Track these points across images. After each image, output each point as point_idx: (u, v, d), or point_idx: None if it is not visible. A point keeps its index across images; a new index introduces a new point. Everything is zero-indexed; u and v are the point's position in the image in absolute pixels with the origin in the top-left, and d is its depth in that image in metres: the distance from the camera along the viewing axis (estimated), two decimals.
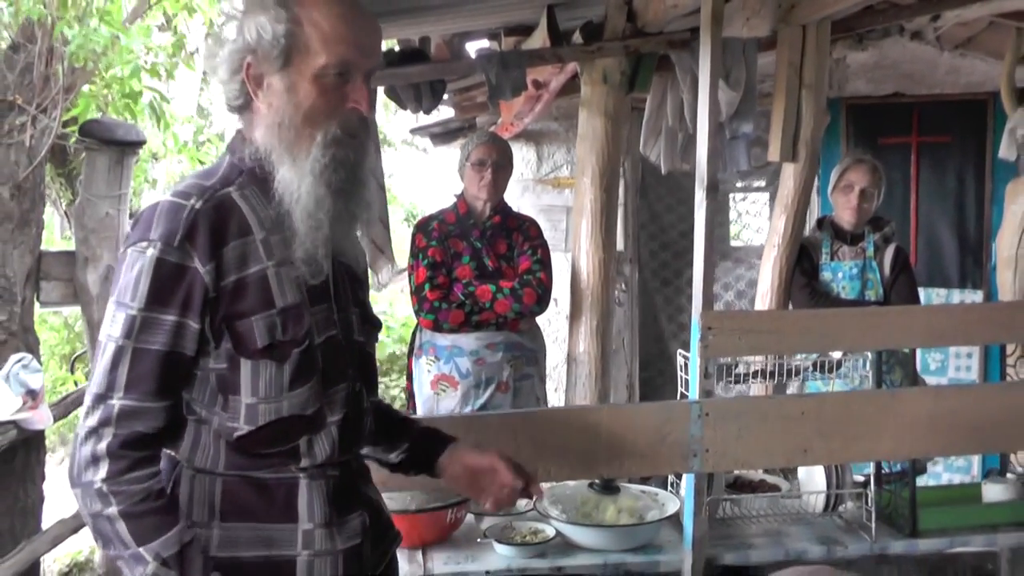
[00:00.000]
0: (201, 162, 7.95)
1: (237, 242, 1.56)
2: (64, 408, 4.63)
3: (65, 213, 6.56)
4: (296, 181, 1.58)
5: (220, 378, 1.58)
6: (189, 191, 1.56)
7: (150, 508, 1.51)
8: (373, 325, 1.83)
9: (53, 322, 8.44)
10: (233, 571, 1.57)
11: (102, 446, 1.49)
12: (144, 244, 1.52)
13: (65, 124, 4.37)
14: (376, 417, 1.86)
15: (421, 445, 1.94)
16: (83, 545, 4.95)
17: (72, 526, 4.55)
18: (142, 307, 1.50)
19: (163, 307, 1.51)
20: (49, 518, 4.30)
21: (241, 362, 1.56)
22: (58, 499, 4.97)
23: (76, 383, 5.93)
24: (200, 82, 9.22)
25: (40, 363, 4.13)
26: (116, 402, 1.50)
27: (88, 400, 1.53)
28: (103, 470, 1.49)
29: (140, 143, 4.46)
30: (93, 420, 1.51)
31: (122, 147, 4.32)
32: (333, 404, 1.66)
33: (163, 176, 7.93)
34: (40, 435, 4.23)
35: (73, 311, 8.08)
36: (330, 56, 1.57)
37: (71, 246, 7.08)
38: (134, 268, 1.52)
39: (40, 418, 3.95)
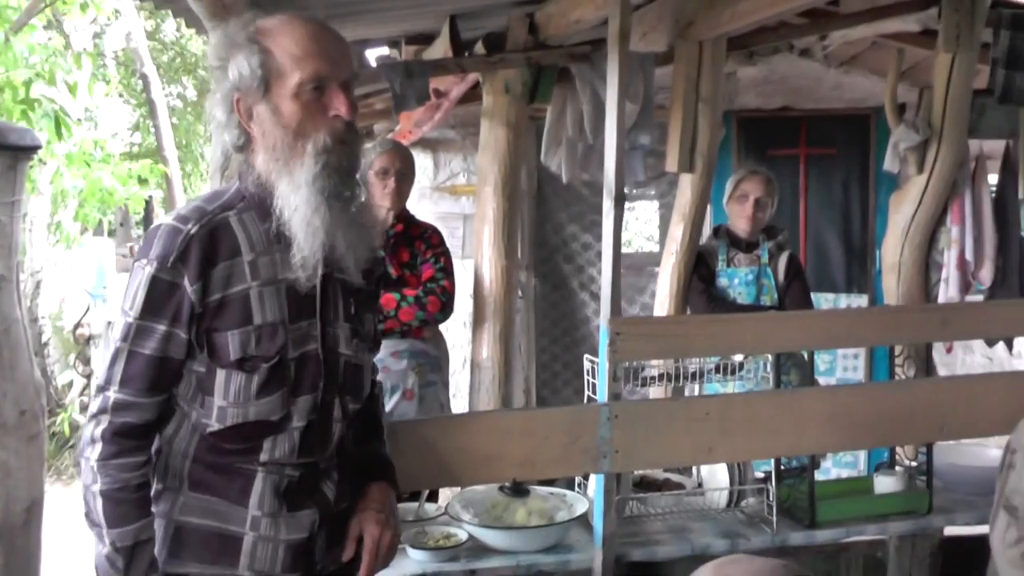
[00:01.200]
0: (87, 164, 7.72)
1: (225, 263, 1.74)
2: None
3: None
4: (293, 194, 1.74)
5: (199, 379, 1.77)
6: (189, 216, 1.75)
7: (125, 498, 1.72)
8: (363, 340, 1.94)
9: None
10: (190, 534, 1.78)
11: (98, 431, 1.72)
12: (144, 261, 1.72)
13: None
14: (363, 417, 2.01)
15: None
16: None
17: None
18: (137, 316, 1.72)
19: (155, 318, 1.71)
20: None
21: (216, 369, 1.75)
22: None
23: None
24: (87, 83, 8.98)
25: None
26: (112, 394, 1.72)
27: (93, 389, 1.77)
28: (97, 451, 1.72)
29: (35, 148, 4.30)
30: (95, 407, 1.74)
31: (15, 152, 4.17)
32: (300, 412, 1.80)
33: (47, 186, 7.69)
34: None
35: None
36: (303, 72, 1.72)
37: None
38: (135, 281, 1.73)
39: None
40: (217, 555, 1.78)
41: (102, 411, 1.72)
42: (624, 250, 6.92)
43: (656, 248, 6.82)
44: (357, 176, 1.83)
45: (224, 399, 1.75)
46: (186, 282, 1.70)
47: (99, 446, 1.72)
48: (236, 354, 1.73)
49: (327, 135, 1.74)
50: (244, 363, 1.74)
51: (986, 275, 4.47)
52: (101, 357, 7.12)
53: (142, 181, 8.25)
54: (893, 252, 4.44)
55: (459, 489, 2.95)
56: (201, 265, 1.71)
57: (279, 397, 1.77)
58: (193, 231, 1.72)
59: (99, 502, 1.71)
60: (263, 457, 1.79)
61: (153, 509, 1.78)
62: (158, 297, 1.71)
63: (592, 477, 2.80)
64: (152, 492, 1.79)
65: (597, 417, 2.58)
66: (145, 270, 1.71)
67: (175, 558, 1.78)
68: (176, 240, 1.71)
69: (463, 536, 2.70)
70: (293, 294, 1.78)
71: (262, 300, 1.75)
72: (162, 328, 1.71)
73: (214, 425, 1.76)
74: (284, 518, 1.81)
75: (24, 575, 4.61)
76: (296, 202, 1.73)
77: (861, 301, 5.67)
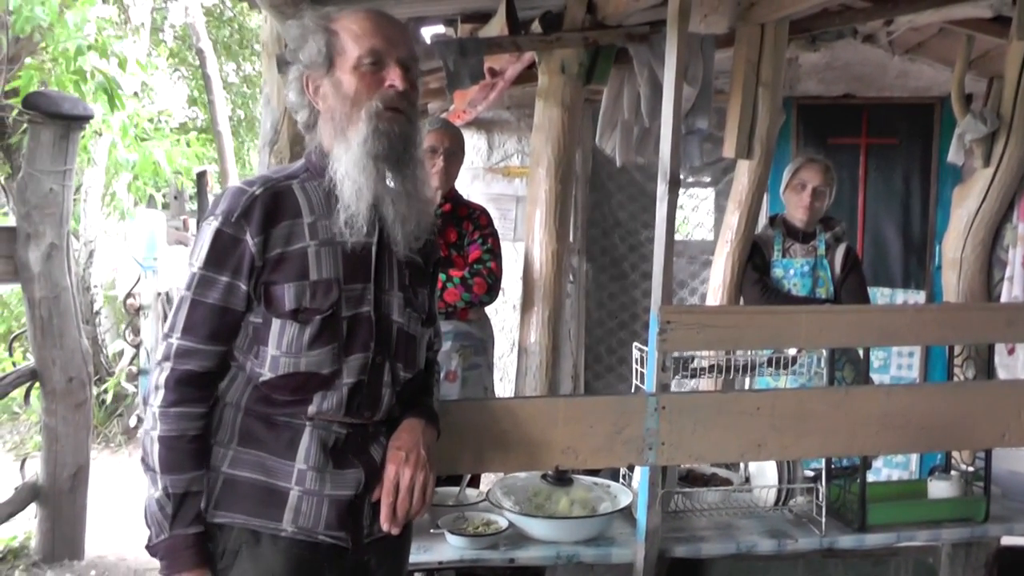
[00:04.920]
0: (143, 138, 7.77)
1: (286, 223, 1.86)
2: (1, 389, 4.51)
3: (2, 187, 6.40)
4: (345, 155, 1.88)
5: (255, 330, 1.87)
6: (255, 180, 1.92)
7: (181, 447, 1.82)
8: (416, 311, 2.03)
9: None
10: (238, 487, 1.86)
11: (162, 378, 1.83)
12: (211, 218, 1.85)
13: (7, 95, 4.26)
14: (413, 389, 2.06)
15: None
16: (18, 531, 4.83)
17: (7, 511, 4.45)
18: (201, 267, 1.84)
19: (218, 269, 1.84)
20: None
21: (272, 320, 1.86)
22: None
23: (14, 364, 5.76)
24: (144, 60, 9.03)
25: None
26: (174, 341, 1.84)
27: (161, 336, 1.92)
28: (160, 398, 1.83)
29: (87, 117, 4.33)
30: (159, 354, 1.86)
31: (68, 121, 4.20)
32: (350, 369, 1.89)
33: (103, 157, 7.75)
34: None
35: (10, 289, 7.87)
36: (361, 48, 1.89)
37: (7, 221, 6.91)
38: (202, 235, 1.86)
39: None
40: (263, 507, 1.86)
41: (165, 358, 1.84)
42: (680, 237, 6.89)
43: (709, 236, 6.71)
44: (412, 149, 1.95)
45: (277, 348, 1.85)
46: (248, 237, 1.83)
47: (161, 393, 1.83)
48: (291, 305, 1.84)
49: (380, 101, 1.88)
50: (298, 314, 1.84)
51: None
52: (151, 327, 7.17)
53: (196, 156, 8.31)
54: (955, 248, 4.32)
55: (501, 475, 2.90)
56: (263, 222, 1.84)
57: (330, 351, 1.87)
58: (257, 192, 1.86)
59: (156, 447, 1.81)
60: (311, 410, 1.87)
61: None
62: (221, 250, 1.83)
63: (637, 469, 2.74)
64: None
65: (644, 408, 2.51)
66: (211, 225, 1.85)
67: (221, 509, 1.86)
68: (241, 199, 1.85)
69: (503, 523, 2.67)
70: (349, 257, 1.90)
71: (319, 258, 1.87)
72: (224, 279, 1.84)
73: (266, 374, 1.86)
74: (330, 474, 1.88)
75: (70, 539, 4.69)
76: (347, 163, 1.87)
77: (918, 297, 5.54)
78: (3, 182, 6.28)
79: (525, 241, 4.29)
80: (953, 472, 3.02)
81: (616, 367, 6.48)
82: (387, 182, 1.91)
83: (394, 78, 1.89)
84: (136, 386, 7.41)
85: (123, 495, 5.62)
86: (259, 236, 1.83)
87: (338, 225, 1.87)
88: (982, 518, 2.86)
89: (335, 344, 1.88)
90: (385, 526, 1.90)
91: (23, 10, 3.95)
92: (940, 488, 2.92)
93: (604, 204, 6.46)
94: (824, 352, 2.84)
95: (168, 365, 1.83)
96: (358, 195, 1.87)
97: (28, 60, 4.34)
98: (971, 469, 3.04)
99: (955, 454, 3.12)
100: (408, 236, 1.96)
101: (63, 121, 4.19)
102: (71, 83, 4.40)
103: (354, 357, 1.90)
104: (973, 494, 2.92)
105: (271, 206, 1.86)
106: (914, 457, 5.26)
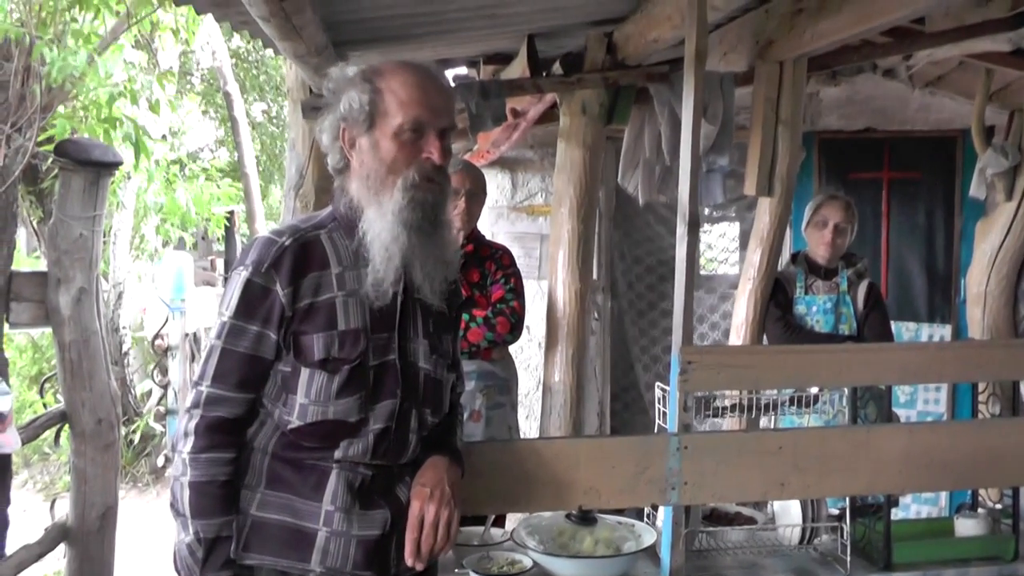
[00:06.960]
0: (170, 181, 7.88)
1: (315, 274, 1.90)
2: (32, 431, 4.55)
3: (35, 231, 6.50)
4: (378, 220, 1.90)
5: (284, 378, 1.91)
6: (284, 230, 1.94)
7: (212, 492, 1.85)
8: (441, 357, 2.07)
9: (19, 342, 8.32)
10: (265, 529, 1.89)
11: (191, 424, 1.87)
12: (241, 268, 1.90)
13: (40, 144, 4.33)
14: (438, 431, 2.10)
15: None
16: (48, 569, 4.87)
17: (37, 552, 4.47)
18: (231, 316, 1.88)
19: (248, 319, 1.87)
20: (13, 543, 4.22)
21: (301, 369, 1.89)
22: (22, 524, 4.90)
23: (45, 405, 5.82)
24: (173, 100, 9.17)
25: (8, 385, 4.06)
26: (204, 389, 1.88)
27: (191, 384, 1.94)
28: (189, 444, 1.86)
29: (116, 164, 4.40)
30: (189, 401, 1.89)
31: (98, 168, 4.27)
32: (377, 416, 1.93)
33: (132, 200, 7.87)
34: (7, 458, 4.15)
35: (41, 332, 7.97)
36: (405, 117, 1.89)
37: (39, 264, 7.00)
38: (232, 285, 1.90)
39: (8, 441, 3.87)
40: (291, 549, 1.89)
41: (195, 405, 1.87)
42: (703, 273, 6.89)
43: (732, 270, 6.71)
44: (443, 215, 1.97)
45: (306, 397, 1.88)
46: (278, 287, 1.86)
47: (191, 439, 1.86)
48: (320, 354, 1.87)
49: (416, 173, 1.90)
50: (327, 364, 1.87)
51: None
52: (178, 368, 7.25)
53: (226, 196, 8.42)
54: (979, 282, 4.31)
55: (526, 515, 2.91)
56: (292, 273, 1.87)
57: (357, 400, 1.90)
58: (287, 243, 1.89)
59: (187, 493, 1.85)
60: (338, 455, 1.90)
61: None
62: (252, 300, 1.87)
63: (661, 507, 2.74)
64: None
65: (666, 448, 2.52)
66: (241, 275, 1.88)
67: (250, 550, 1.88)
68: (271, 250, 1.88)
69: (528, 563, 2.66)
70: (375, 307, 1.92)
71: (347, 309, 1.90)
72: (254, 328, 1.87)
73: (295, 422, 1.89)
74: (356, 515, 1.91)
75: None
76: (379, 228, 1.89)
77: (944, 331, 5.50)
78: (36, 226, 6.38)
79: (549, 281, 4.32)
80: (980, 510, 3.00)
81: (642, 402, 6.47)
82: (417, 247, 1.91)
83: (432, 150, 1.91)
84: (164, 426, 7.47)
85: (151, 535, 5.66)
86: (289, 287, 1.86)
87: (365, 284, 1.90)
88: (1011, 557, 2.82)
89: (362, 392, 1.90)
90: (410, 561, 1.92)
91: (56, 61, 4.04)
92: (967, 526, 2.89)
93: (628, 241, 6.48)
94: (846, 390, 2.83)
95: (198, 412, 1.86)
96: (388, 261, 1.89)
97: (60, 108, 4.44)
98: (999, 507, 3.02)
99: (982, 491, 3.09)
100: (435, 293, 1.99)
101: (93, 168, 4.25)
102: (101, 130, 4.49)
103: (382, 404, 1.93)
104: (1001, 532, 2.89)
105: (300, 257, 1.89)
106: (943, 493, 5.21)
